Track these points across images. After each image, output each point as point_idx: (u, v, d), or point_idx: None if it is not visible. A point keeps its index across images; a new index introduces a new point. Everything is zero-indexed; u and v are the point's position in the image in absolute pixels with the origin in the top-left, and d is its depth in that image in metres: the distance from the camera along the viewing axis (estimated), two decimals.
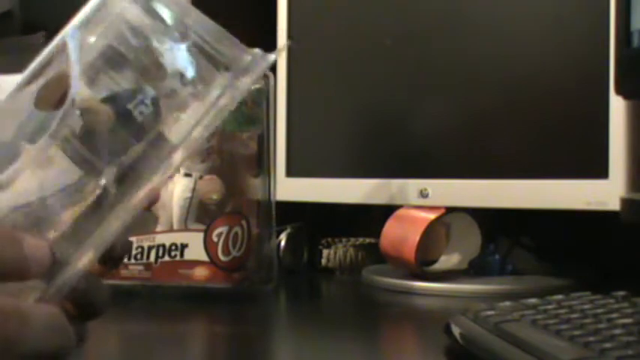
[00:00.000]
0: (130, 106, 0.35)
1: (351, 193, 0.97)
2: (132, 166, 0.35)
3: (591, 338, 0.45)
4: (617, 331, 0.46)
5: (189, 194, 0.81)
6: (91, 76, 0.36)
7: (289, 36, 1.02)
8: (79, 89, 0.35)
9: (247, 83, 0.38)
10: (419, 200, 0.91)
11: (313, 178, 1.00)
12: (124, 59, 0.36)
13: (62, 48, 0.36)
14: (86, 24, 0.37)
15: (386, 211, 0.93)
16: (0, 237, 0.34)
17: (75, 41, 0.36)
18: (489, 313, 0.55)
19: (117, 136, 0.35)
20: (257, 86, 0.83)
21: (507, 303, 0.57)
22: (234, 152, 0.84)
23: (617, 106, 0.77)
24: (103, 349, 0.60)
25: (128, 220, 0.36)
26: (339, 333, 0.67)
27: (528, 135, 0.85)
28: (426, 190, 0.90)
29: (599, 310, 0.51)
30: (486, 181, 0.86)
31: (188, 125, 0.36)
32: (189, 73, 0.37)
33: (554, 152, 0.83)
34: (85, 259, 0.35)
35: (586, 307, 0.53)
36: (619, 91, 0.66)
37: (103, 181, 0.35)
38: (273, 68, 0.97)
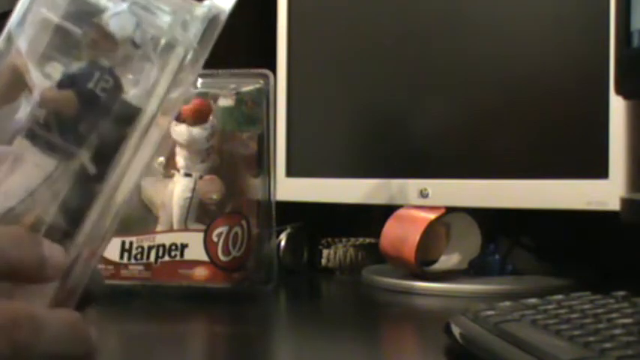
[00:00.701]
0: (90, 85, 0.35)
1: (351, 193, 0.97)
2: (105, 142, 0.35)
3: (591, 338, 0.45)
4: (617, 331, 0.46)
5: (189, 194, 0.81)
6: (45, 62, 0.35)
7: (289, 36, 1.02)
8: (35, 79, 0.35)
9: (210, 37, 0.36)
10: (419, 200, 0.91)
11: (313, 178, 1.00)
12: (73, 38, 0.36)
13: (9, 41, 0.36)
14: (28, 10, 0.36)
15: (386, 211, 0.93)
16: (20, 238, 0.33)
17: (20, 31, 0.36)
18: (489, 313, 0.55)
19: (83, 117, 0.35)
20: (257, 86, 0.83)
21: (507, 303, 0.57)
22: (234, 152, 0.84)
23: (617, 106, 0.77)
24: (103, 349, 0.60)
25: (122, 201, 0.35)
26: (339, 333, 0.67)
27: (528, 135, 0.85)
28: (426, 190, 0.90)
29: (599, 310, 0.51)
30: (486, 181, 0.86)
31: (157, 93, 0.36)
32: (138, 35, 0.36)
33: (554, 152, 0.83)
34: (88, 251, 0.35)
35: (586, 307, 0.53)
36: (619, 91, 0.66)
37: (79, 165, 0.35)
38: (274, 68, 0.97)
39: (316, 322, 0.75)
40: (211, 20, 0.36)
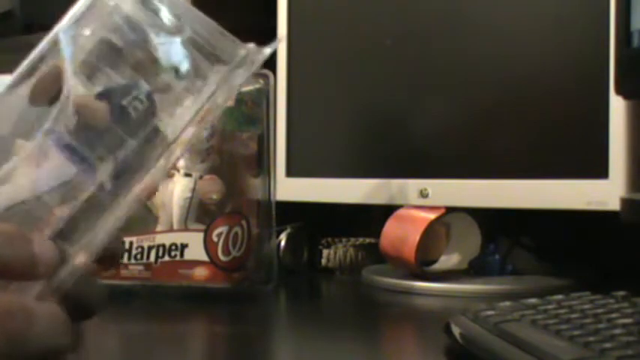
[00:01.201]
0: (124, 102, 0.35)
1: (351, 193, 0.97)
2: (127, 161, 0.35)
3: (591, 338, 0.45)
4: (617, 331, 0.46)
5: (189, 194, 0.81)
6: (86, 72, 0.36)
7: (289, 36, 1.02)
8: (73, 86, 0.35)
9: (242, 77, 0.37)
10: (419, 200, 0.91)
11: (313, 178, 1.00)
12: (119, 54, 0.36)
13: (55, 44, 0.36)
14: (80, 19, 0.36)
15: (386, 211, 0.93)
16: (10, 236, 0.33)
17: (68, 37, 0.36)
18: (489, 313, 0.55)
19: (111, 132, 0.35)
20: (257, 86, 0.83)
21: (507, 303, 0.57)
22: (234, 152, 0.84)
23: (617, 106, 0.77)
24: (103, 349, 0.60)
25: (123, 216, 0.36)
26: (339, 333, 0.67)
27: (528, 135, 0.85)
28: (426, 190, 0.90)
29: (599, 310, 0.51)
30: (486, 181, 0.86)
31: (183, 120, 0.36)
32: (184, 67, 0.37)
33: (554, 152, 0.83)
34: (81, 257, 0.35)
35: (586, 307, 0.53)
36: (619, 91, 0.66)
37: (98, 178, 0.35)
38: (274, 68, 0.97)
39: (316, 322, 0.75)
40: (249, 64, 0.37)
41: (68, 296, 0.37)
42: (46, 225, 0.35)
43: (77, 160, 0.35)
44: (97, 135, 0.35)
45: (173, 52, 0.36)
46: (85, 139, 0.35)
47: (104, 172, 0.35)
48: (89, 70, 0.36)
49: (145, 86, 0.36)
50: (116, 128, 0.35)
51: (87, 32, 0.36)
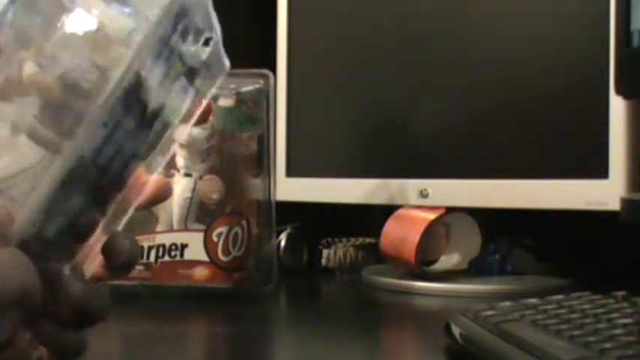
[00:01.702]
0: (75, 75, 0.35)
1: (351, 193, 0.97)
2: (88, 134, 0.35)
3: (591, 338, 0.45)
4: (617, 331, 0.46)
5: (189, 194, 0.81)
6: (39, 55, 0.35)
7: (289, 37, 1.02)
8: (26, 69, 0.35)
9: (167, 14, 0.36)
10: (419, 200, 0.91)
11: (313, 178, 1.00)
12: (73, 37, 0.36)
13: None
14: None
15: (386, 211, 0.93)
16: None
17: (6, 18, 0.35)
18: (489, 313, 0.55)
19: (69, 107, 0.35)
20: (257, 86, 0.83)
21: (507, 303, 0.57)
22: (234, 152, 0.84)
23: (617, 106, 0.77)
24: (103, 349, 0.60)
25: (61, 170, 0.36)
26: (339, 333, 0.67)
27: (528, 135, 0.85)
28: (426, 190, 0.90)
29: (599, 310, 0.51)
30: (486, 181, 0.86)
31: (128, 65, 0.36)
32: (133, 39, 0.36)
33: (554, 152, 0.83)
34: (29, 206, 0.35)
35: (586, 307, 0.53)
36: (619, 91, 0.66)
37: (65, 156, 0.35)
38: (274, 68, 0.97)
39: (316, 322, 0.75)
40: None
41: (72, 304, 0.37)
42: (17, 209, 0.34)
43: (42, 142, 0.35)
44: (57, 114, 0.35)
45: (119, 24, 0.36)
46: (47, 120, 0.35)
47: (68, 148, 0.35)
48: (44, 54, 0.35)
49: (95, 61, 0.35)
50: (71, 102, 0.35)
51: (29, 13, 0.36)
